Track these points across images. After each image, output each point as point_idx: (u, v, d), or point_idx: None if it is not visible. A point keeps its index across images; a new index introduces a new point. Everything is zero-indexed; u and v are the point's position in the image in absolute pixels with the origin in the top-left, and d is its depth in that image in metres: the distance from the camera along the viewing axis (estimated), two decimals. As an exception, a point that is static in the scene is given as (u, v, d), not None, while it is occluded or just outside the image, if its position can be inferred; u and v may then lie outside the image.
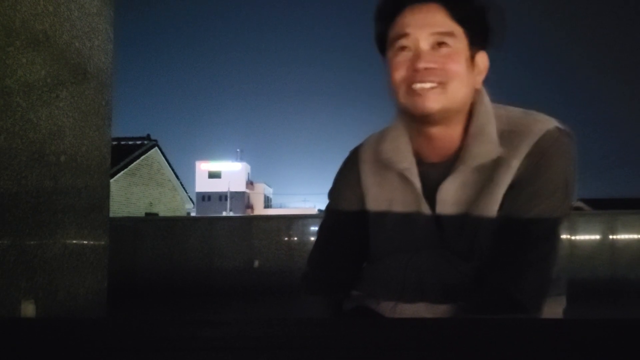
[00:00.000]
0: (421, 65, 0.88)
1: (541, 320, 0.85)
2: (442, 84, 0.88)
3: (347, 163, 1.11)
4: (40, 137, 1.98)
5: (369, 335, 0.56)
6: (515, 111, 0.94)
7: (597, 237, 6.30)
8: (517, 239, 0.87)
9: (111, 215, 2.57)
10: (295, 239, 6.68)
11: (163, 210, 19.94)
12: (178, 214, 20.88)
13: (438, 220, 0.95)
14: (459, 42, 0.89)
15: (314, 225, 6.70)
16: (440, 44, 0.89)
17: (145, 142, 18.56)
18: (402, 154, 0.99)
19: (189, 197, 23.25)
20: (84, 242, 2.28)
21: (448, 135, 0.94)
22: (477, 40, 0.92)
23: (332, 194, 1.12)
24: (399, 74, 0.91)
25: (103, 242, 2.42)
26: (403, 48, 0.91)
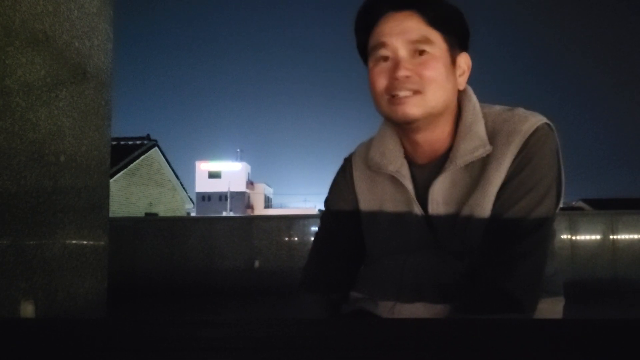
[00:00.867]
0: (400, 73, 0.88)
1: (541, 320, 0.85)
2: (419, 92, 0.88)
3: (341, 172, 1.14)
4: (39, 137, 1.98)
5: (368, 336, 0.55)
6: (502, 110, 0.95)
7: (598, 237, 6.29)
8: (509, 234, 0.87)
9: (111, 215, 2.57)
10: (296, 239, 6.68)
11: (163, 211, 19.94)
12: (178, 214, 20.89)
13: (430, 220, 0.95)
14: (437, 47, 0.90)
15: (314, 225, 6.70)
16: (419, 51, 0.89)
17: (145, 142, 18.57)
18: (392, 157, 1.00)
19: (188, 197, 23.26)
20: (84, 242, 2.28)
21: (436, 137, 0.95)
22: (456, 42, 0.93)
23: (327, 203, 1.14)
24: (380, 83, 0.92)
25: (103, 242, 2.42)
26: (382, 57, 0.92)
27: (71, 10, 2.19)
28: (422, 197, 0.96)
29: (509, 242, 0.87)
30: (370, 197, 1.04)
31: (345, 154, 1.17)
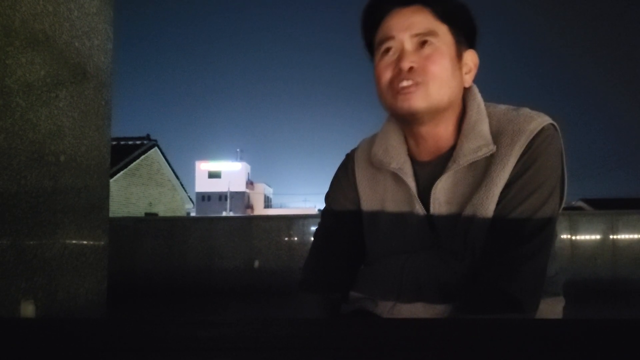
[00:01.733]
0: (405, 64, 0.88)
1: (541, 320, 0.85)
2: (423, 84, 0.88)
3: (342, 167, 1.13)
4: (39, 137, 1.98)
5: (368, 336, 0.55)
6: (507, 109, 0.95)
7: (599, 237, 6.29)
8: (512, 235, 0.87)
9: (111, 215, 2.57)
10: (296, 239, 6.67)
11: (163, 211, 19.94)
12: (178, 214, 20.88)
13: (432, 219, 0.94)
14: (444, 41, 0.90)
15: (314, 225, 6.70)
16: (424, 44, 0.89)
17: (145, 142, 18.58)
18: (395, 154, 0.99)
19: (188, 197, 23.26)
20: (84, 242, 2.28)
21: (439, 134, 0.95)
22: (463, 37, 0.93)
23: (328, 198, 1.13)
24: (385, 75, 0.92)
25: (103, 242, 2.42)
26: (388, 50, 0.92)
27: (71, 10, 2.19)
28: (424, 195, 0.95)
29: (512, 243, 0.86)
30: (372, 195, 1.03)
31: (346, 154, 1.16)
